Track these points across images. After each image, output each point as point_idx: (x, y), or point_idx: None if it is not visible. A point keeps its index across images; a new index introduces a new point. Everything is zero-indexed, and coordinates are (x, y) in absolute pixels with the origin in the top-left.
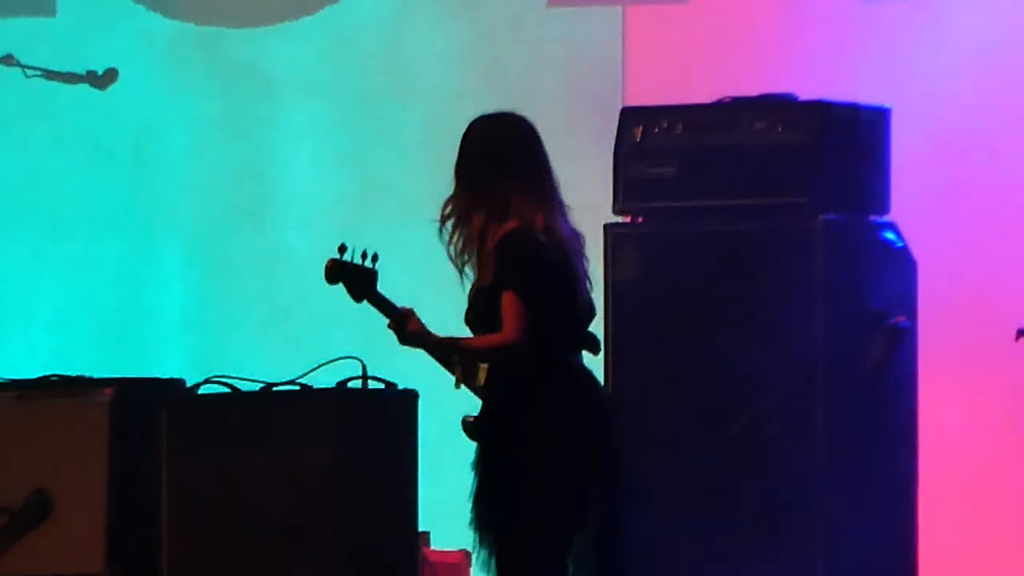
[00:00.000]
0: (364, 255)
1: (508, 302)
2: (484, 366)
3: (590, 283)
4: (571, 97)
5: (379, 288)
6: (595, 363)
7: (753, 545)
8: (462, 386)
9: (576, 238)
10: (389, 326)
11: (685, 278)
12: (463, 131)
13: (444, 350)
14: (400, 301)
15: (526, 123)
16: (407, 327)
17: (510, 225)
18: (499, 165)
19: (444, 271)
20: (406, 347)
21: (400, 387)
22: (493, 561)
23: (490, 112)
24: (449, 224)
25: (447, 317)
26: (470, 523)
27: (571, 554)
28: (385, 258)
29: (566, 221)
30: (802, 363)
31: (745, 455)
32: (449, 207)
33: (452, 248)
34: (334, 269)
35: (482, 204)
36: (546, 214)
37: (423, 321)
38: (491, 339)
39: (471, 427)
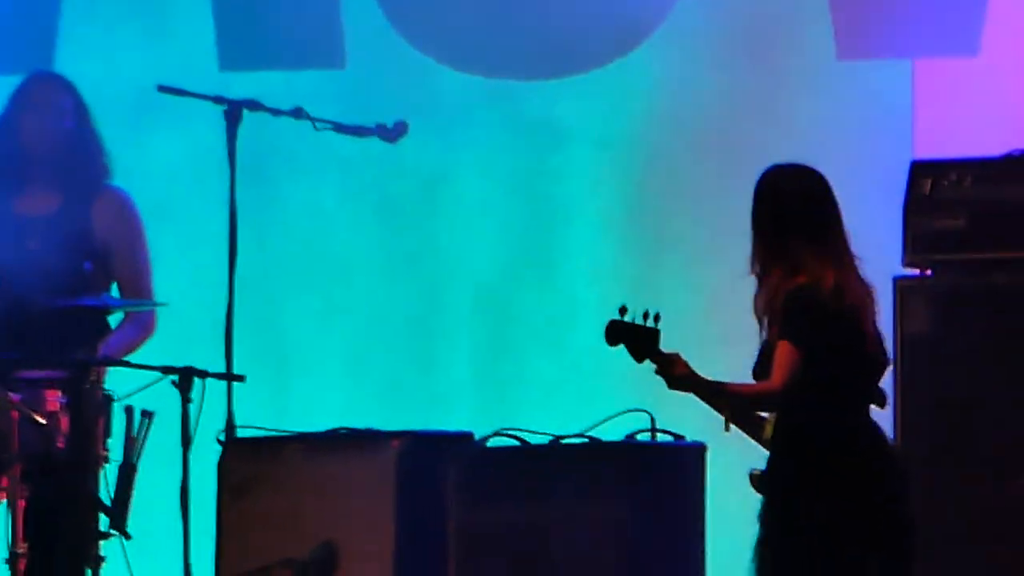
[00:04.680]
0: (646, 315)
1: (780, 351)
2: (771, 419)
3: (881, 336)
4: (860, 149)
5: (663, 344)
6: (884, 417)
7: None
8: (737, 432)
9: (867, 292)
10: (657, 371)
11: (976, 331)
12: (754, 182)
13: (711, 393)
14: (688, 353)
15: (818, 177)
16: (674, 371)
17: (799, 280)
18: (791, 221)
19: (732, 323)
20: (678, 392)
21: (688, 440)
22: None
23: (783, 163)
24: (757, 279)
25: (736, 369)
26: (750, 572)
27: None
28: (674, 310)
29: (857, 276)
30: None
31: None
32: (755, 262)
33: (758, 302)
34: (615, 330)
35: (777, 259)
36: (836, 271)
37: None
38: (757, 386)
39: (757, 480)
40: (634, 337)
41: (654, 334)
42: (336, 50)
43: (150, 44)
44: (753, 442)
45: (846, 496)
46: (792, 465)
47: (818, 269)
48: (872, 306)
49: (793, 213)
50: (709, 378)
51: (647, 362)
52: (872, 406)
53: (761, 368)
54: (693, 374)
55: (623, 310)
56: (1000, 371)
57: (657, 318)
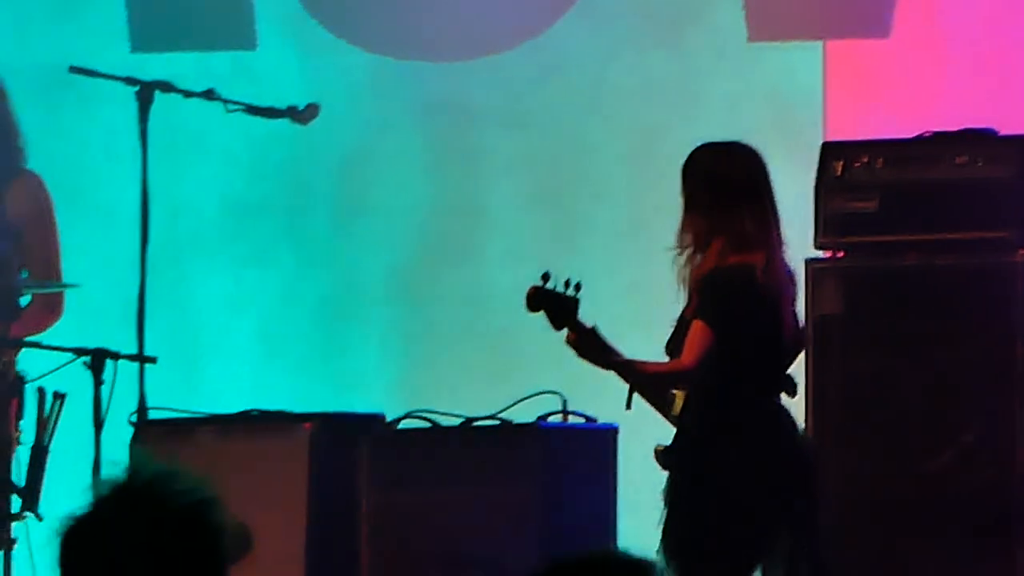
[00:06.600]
0: (567, 283)
1: (695, 330)
2: (680, 395)
3: (798, 324)
4: (771, 130)
5: (580, 318)
6: (796, 398)
7: None
8: (652, 416)
9: (790, 277)
10: (568, 340)
11: (887, 312)
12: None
13: (620, 370)
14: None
15: (759, 155)
16: (589, 342)
17: (732, 259)
18: (738, 193)
19: (646, 306)
20: (598, 371)
21: (600, 422)
22: None
23: (719, 141)
24: (688, 251)
25: (649, 351)
26: (657, 551)
27: None
28: (588, 292)
29: (783, 260)
30: (1004, 397)
31: (947, 492)
32: (688, 234)
33: (686, 272)
34: (536, 296)
35: (721, 230)
36: (769, 250)
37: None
38: (667, 365)
39: (662, 455)
40: (554, 304)
41: (574, 303)
42: (247, 31)
43: (62, 25)
44: (666, 422)
45: (751, 472)
46: (697, 444)
47: (755, 245)
48: (792, 292)
49: (740, 186)
50: (622, 354)
51: (559, 333)
52: (782, 394)
53: (675, 343)
54: (607, 347)
55: (546, 277)
56: (911, 353)
57: (578, 287)
